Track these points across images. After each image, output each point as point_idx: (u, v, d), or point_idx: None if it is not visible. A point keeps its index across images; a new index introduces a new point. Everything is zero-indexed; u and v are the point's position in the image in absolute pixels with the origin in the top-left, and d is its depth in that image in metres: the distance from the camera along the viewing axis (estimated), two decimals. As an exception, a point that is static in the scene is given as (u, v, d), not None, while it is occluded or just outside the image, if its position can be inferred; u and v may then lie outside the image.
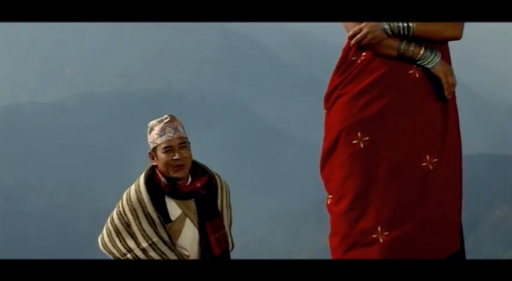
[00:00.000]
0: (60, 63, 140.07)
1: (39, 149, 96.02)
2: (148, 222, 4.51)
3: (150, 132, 4.64)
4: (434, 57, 4.01)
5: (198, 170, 4.68)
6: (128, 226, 4.55)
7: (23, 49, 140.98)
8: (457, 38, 4.12)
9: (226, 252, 4.59)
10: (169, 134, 4.57)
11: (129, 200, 4.58)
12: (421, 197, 3.99)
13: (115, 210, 4.62)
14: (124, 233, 4.56)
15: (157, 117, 4.63)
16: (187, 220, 4.57)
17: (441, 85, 4.03)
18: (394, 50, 4.01)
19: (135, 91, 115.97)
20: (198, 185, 4.60)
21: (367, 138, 4.02)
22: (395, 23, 3.99)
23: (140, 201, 4.54)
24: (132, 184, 4.64)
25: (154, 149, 4.60)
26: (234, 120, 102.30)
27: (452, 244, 4.07)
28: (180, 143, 4.56)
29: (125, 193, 4.62)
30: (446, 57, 4.12)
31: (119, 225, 4.59)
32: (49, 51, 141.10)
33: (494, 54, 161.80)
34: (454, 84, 4.05)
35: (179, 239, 4.55)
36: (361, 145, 4.03)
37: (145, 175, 4.62)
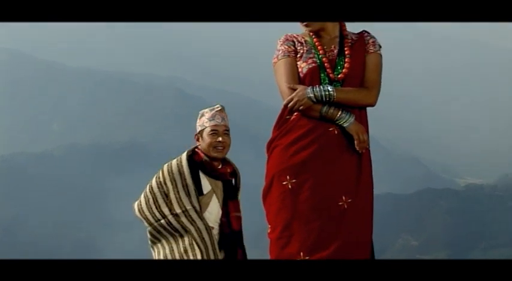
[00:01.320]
0: (48, 119, 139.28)
1: (30, 191, 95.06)
2: (185, 192, 4.37)
3: (200, 118, 4.52)
4: (349, 118, 4.05)
5: (227, 161, 4.56)
6: (165, 195, 4.39)
7: (17, 108, 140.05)
8: (371, 105, 4.16)
9: (241, 232, 4.45)
10: (217, 120, 4.45)
11: (170, 172, 4.42)
12: (337, 231, 4.02)
13: (154, 180, 4.45)
14: (160, 200, 4.39)
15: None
16: (214, 197, 4.44)
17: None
18: (317, 113, 4.05)
19: (110, 143, 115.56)
20: (228, 170, 4.49)
21: (294, 180, 4.06)
22: (319, 93, 4.02)
23: (181, 173, 4.40)
24: (173, 159, 4.49)
25: (201, 131, 4.48)
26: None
27: None
28: (224, 130, 4.44)
29: (166, 165, 4.47)
30: (364, 119, 4.17)
31: (157, 193, 4.42)
32: (39, 109, 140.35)
33: (398, 113, 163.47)
34: (365, 141, 4.08)
35: (205, 213, 4.41)
36: (290, 186, 4.07)
37: (187, 153, 4.49)
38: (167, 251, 4.40)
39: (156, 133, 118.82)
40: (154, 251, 4.50)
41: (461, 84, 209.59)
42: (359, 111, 4.14)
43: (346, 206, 4.05)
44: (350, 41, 4.21)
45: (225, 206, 4.45)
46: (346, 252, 3.99)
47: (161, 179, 4.44)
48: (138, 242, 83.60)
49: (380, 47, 4.24)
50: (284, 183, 4.09)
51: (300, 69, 4.13)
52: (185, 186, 4.39)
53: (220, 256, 4.38)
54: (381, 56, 4.23)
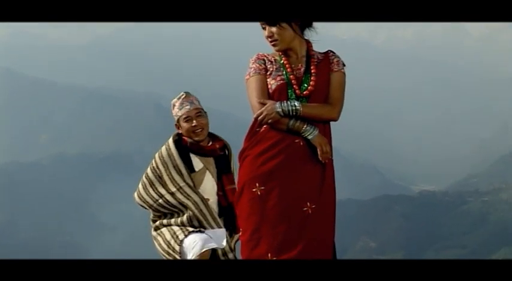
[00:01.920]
0: (38, 131, 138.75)
1: (21, 197, 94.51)
2: (176, 171, 4.39)
3: (173, 108, 4.53)
4: (313, 131, 4.06)
5: (216, 137, 4.59)
6: (159, 177, 4.42)
7: (9, 121, 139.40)
8: (334, 120, 4.15)
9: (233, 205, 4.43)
10: (186, 107, 4.46)
11: (161, 157, 4.45)
12: (302, 233, 4.02)
13: (148, 168, 4.49)
14: (156, 184, 4.43)
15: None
16: (208, 173, 4.45)
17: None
18: (284, 126, 4.05)
19: (95, 153, 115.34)
20: (217, 146, 4.50)
21: (262, 188, 4.05)
22: (286, 108, 4.03)
23: (170, 156, 4.42)
24: (162, 146, 4.52)
25: (178, 120, 4.49)
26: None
27: None
28: (196, 113, 4.46)
29: (157, 153, 4.49)
30: (327, 132, 4.16)
31: (152, 178, 4.45)
32: (29, 122, 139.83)
33: (358, 126, 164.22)
34: (327, 152, 4.08)
35: (200, 188, 4.42)
36: (258, 193, 4.06)
37: (172, 138, 4.50)
38: (163, 219, 4.44)
39: (138, 144, 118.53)
40: (156, 231, 4.51)
41: (415, 100, 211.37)
42: (323, 125, 4.14)
43: (310, 211, 4.05)
44: (316, 60, 4.20)
45: (219, 181, 4.46)
46: (310, 253, 3.99)
47: (154, 165, 4.47)
48: (122, 244, 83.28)
49: (344, 65, 4.24)
50: (253, 190, 4.08)
51: (269, 86, 4.13)
52: (176, 166, 4.41)
53: (222, 223, 4.40)
54: (345, 74, 4.22)
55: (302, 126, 4.07)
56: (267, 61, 4.19)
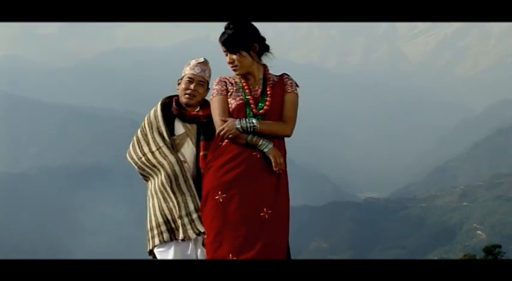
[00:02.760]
0: (26, 145, 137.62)
1: (9, 204, 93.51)
2: (159, 132, 4.26)
3: (186, 66, 4.33)
4: (268, 145, 4.09)
5: (207, 104, 4.35)
6: (145, 135, 4.29)
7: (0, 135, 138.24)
8: (287, 136, 4.18)
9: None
10: (196, 70, 4.28)
11: (148, 117, 4.31)
12: (259, 236, 4.02)
13: (139, 128, 4.35)
14: (142, 142, 4.30)
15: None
16: (188, 139, 4.31)
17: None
18: (243, 140, 4.08)
19: (77, 165, 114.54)
20: (201, 113, 4.31)
21: (224, 195, 4.06)
22: (245, 125, 4.06)
23: (155, 117, 4.28)
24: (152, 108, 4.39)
25: (182, 77, 4.30)
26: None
27: None
28: (199, 80, 4.27)
29: (147, 114, 4.35)
30: (282, 146, 4.19)
31: (140, 136, 4.32)
32: (18, 137, 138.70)
33: (311, 140, 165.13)
34: (281, 163, 4.11)
35: (180, 153, 4.28)
36: (221, 200, 4.06)
37: (161, 101, 4.36)
38: (151, 186, 4.33)
39: (116, 157, 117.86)
40: (147, 199, 4.39)
41: (362, 117, 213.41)
42: (278, 140, 4.17)
43: (267, 216, 4.06)
44: (272, 82, 4.23)
45: (197, 147, 4.33)
46: (267, 253, 3.99)
47: (143, 125, 4.36)
48: (102, 245, 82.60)
49: (297, 87, 4.27)
50: (216, 197, 4.08)
51: (230, 105, 4.16)
52: (159, 127, 4.29)
53: (193, 186, 4.27)
54: (297, 95, 4.25)
55: (258, 141, 4.09)
56: (228, 83, 4.22)
